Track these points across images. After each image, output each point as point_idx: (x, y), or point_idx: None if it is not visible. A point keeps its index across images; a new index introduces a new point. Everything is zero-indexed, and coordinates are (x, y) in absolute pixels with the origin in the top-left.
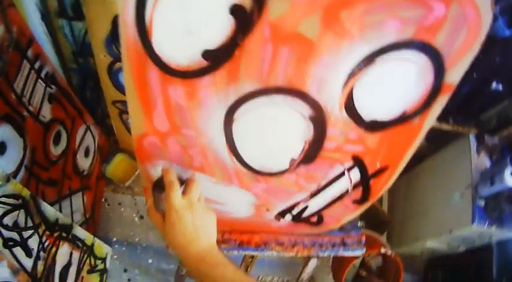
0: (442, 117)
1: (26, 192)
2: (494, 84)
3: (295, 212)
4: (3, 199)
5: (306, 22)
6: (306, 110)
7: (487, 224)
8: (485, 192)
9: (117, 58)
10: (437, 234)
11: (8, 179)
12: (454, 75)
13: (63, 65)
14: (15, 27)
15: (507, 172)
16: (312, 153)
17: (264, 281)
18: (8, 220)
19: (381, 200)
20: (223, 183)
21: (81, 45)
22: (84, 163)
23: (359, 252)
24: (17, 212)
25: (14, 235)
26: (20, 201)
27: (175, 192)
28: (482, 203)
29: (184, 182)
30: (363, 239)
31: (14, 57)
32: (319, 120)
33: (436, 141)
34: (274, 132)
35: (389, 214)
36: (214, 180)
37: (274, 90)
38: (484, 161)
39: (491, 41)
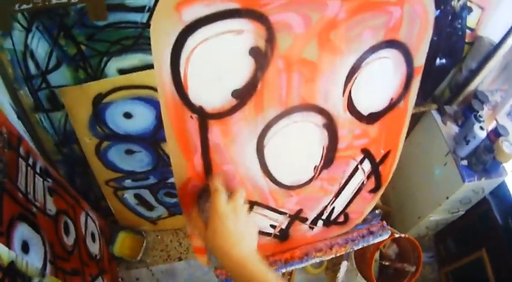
0: None
1: None
2: (438, 60)
3: (324, 216)
4: None
5: (307, 48)
6: (319, 119)
7: (476, 178)
8: (464, 153)
9: (103, 138)
10: (436, 206)
11: (43, 274)
12: (420, 59)
13: (47, 158)
14: (4, 128)
15: (476, 127)
16: (330, 156)
17: None
18: None
19: None
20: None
21: (63, 135)
22: (94, 248)
23: (386, 235)
24: None
25: None
26: None
27: (221, 197)
28: (465, 162)
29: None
30: (385, 223)
31: (11, 157)
32: (330, 126)
33: None
34: (297, 146)
35: (385, 206)
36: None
37: (292, 110)
38: (452, 128)
39: None
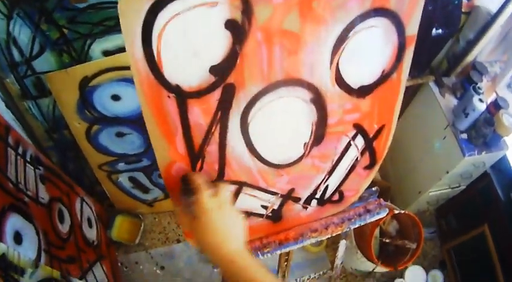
0: None
1: (56, 274)
2: (434, 31)
3: (318, 195)
4: None
5: (288, 19)
6: (306, 94)
7: (476, 152)
8: (464, 126)
9: (92, 122)
10: (436, 180)
11: (36, 265)
12: (412, 28)
13: (39, 146)
14: None
15: (475, 99)
16: (319, 132)
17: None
18: None
19: None
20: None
21: (53, 121)
22: (90, 234)
23: (384, 213)
24: None
25: None
26: None
27: (205, 194)
28: (464, 136)
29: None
30: (382, 201)
31: None
32: (318, 101)
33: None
34: (284, 123)
35: (385, 181)
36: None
37: (276, 85)
38: (451, 100)
39: None
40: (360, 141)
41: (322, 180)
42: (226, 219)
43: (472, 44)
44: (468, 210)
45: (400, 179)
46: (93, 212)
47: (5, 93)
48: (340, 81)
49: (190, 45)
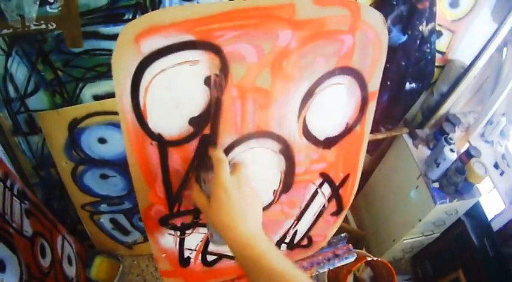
0: (374, 129)
1: None
2: (408, 85)
3: (287, 239)
4: None
5: (260, 77)
6: (275, 145)
7: (448, 200)
8: (436, 175)
9: (79, 162)
10: (409, 228)
11: None
12: (374, 84)
13: (25, 181)
14: None
15: (446, 149)
16: (288, 181)
17: None
18: None
19: (348, 221)
20: None
21: (41, 158)
22: (70, 271)
23: (352, 258)
24: None
25: None
26: None
27: (225, 169)
28: (436, 184)
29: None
30: (351, 246)
31: None
32: (287, 151)
33: (376, 151)
34: (255, 172)
35: (360, 230)
36: None
37: (248, 137)
38: (424, 151)
39: (394, 50)
40: (326, 189)
41: (291, 225)
42: (245, 199)
43: (445, 96)
44: (443, 257)
45: (376, 228)
46: (73, 250)
47: None
48: (307, 133)
49: (173, 99)
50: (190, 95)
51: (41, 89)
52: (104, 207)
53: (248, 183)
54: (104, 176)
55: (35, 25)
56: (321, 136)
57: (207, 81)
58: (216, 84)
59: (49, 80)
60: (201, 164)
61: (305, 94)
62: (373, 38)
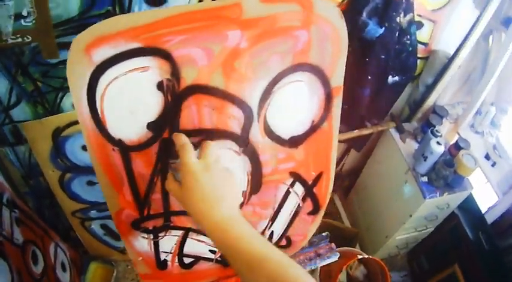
0: (359, 124)
1: None
2: (390, 78)
3: None
4: None
5: (213, 79)
6: (237, 146)
7: (438, 194)
8: (424, 169)
9: (65, 170)
10: (401, 224)
11: None
12: (337, 79)
13: (16, 190)
14: None
15: (433, 142)
16: (256, 182)
17: None
18: None
19: (341, 219)
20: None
21: (29, 168)
22: (64, 278)
23: (335, 258)
24: None
25: None
26: None
27: (189, 154)
28: (425, 179)
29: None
30: (333, 245)
31: None
32: (251, 152)
33: (364, 147)
34: None
35: (353, 227)
36: None
37: (207, 138)
38: (412, 145)
39: (371, 43)
40: (299, 188)
41: (266, 226)
42: (215, 182)
43: (430, 88)
44: (438, 251)
45: (369, 225)
46: (67, 257)
47: None
48: (269, 133)
49: (128, 105)
50: (145, 101)
51: (23, 100)
52: (93, 213)
53: (218, 165)
54: (90, 183)
55: (11, 39)
56: (286, 135)
57: (160, 86)
58: (169, 88)
59: (30, 91)
60: (168, 151)
61: (262, 93)
62: (330, 32)
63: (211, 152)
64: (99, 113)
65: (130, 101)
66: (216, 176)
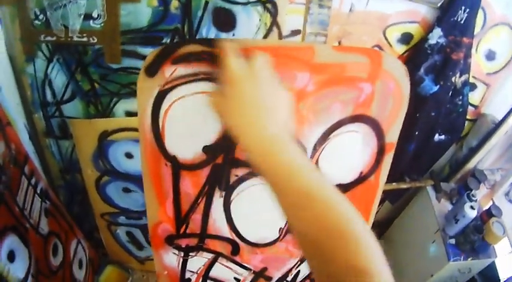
0: (398, 178)
1: None
2: (437, 136)
3: (289, 278)
4: None
5: None
6: None
7: (462, 258)
8: (453, 231)
9: (104, 172)
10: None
11: None
12: (392, 136)
13: (51, 182)
14: (13, 145)
15: (467, 206)
16: None
17: None
18: None
19: None
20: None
21: (68, 163)
22: (79, 275)
23: None
24: None
25: None
26: None
27: (234, 58)
28: (452, 241)
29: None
30: None
31: (15, 173)
32: None
33: (399, 200)
34: (263, 207)
35: None
36: None
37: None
38: (446, 205)
39: (424, 99)
40: None
41: (295, 265)
42: (263, 92)
43: (474, 151)
44: None
45: None
46: (86, 255)
47: (32, 126)
48: None
49: (189, 125)
50: (205, 124)
51: (77, 98)
52: (122, 219)
53: (266, 77)
54: (126, 190)
55: (77, 37)
56: (333, 182)
57: None
58: None
59: (85, 91)
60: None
61: (319, 138)
62: (394, 88)
63: (260, 57)
64: (160, 126)
65: (191, 122)
66: (263, 85)
